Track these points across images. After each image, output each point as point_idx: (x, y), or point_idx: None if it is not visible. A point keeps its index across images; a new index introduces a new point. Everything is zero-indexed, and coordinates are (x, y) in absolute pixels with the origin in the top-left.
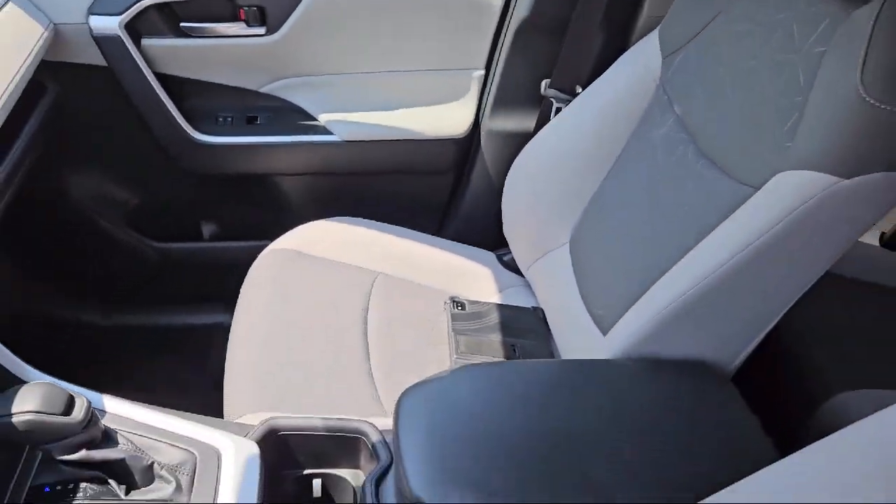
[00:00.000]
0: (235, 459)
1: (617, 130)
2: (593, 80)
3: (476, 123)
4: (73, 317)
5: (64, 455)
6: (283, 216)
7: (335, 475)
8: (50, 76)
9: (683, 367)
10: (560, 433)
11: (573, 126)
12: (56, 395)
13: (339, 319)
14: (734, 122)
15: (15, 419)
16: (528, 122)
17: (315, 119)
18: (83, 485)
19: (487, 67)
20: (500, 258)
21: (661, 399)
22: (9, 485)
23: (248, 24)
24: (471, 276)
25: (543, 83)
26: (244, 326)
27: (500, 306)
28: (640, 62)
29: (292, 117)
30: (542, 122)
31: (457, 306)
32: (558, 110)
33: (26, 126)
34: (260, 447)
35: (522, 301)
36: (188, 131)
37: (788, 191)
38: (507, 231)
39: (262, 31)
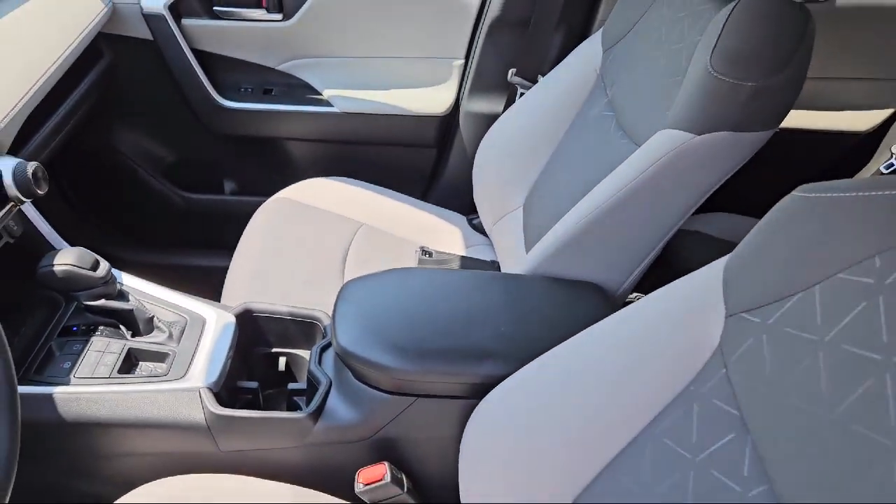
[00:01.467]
0: (216, 324)
1: (565, 112)
2: (548, 70)
3: (456, 105)
4: (106, 251)
5: (88, 302)
6: (289, 175)
7: (296, 354)
8: (106, 45)
9: (574, 283)
10: (459, 314)
11: (530, 108)
12: (86, 256)
13: (322, 256)
14: (641, 100)
15: (56, 268)
16: (499, 105)
17: (319, 94)
18: (101, 327)
19: (467, 57)
20: (469, 221)
21: (543, 296)
22: (50, 322)
23: (269, 11)
24: (442, 233)
25: (510, 71)
26: (243, 253)
27: (463, 258)
28: (586, 55)
29: (301, 91)
30: (509, 105)
31: (425, 254)
32: (522, 95)
33: (82, 83)
34: (237, 323)
35: (483, 256)
36: (216, 97)
37: (655, 145)
38: (476, 197)
39: (279, 17)
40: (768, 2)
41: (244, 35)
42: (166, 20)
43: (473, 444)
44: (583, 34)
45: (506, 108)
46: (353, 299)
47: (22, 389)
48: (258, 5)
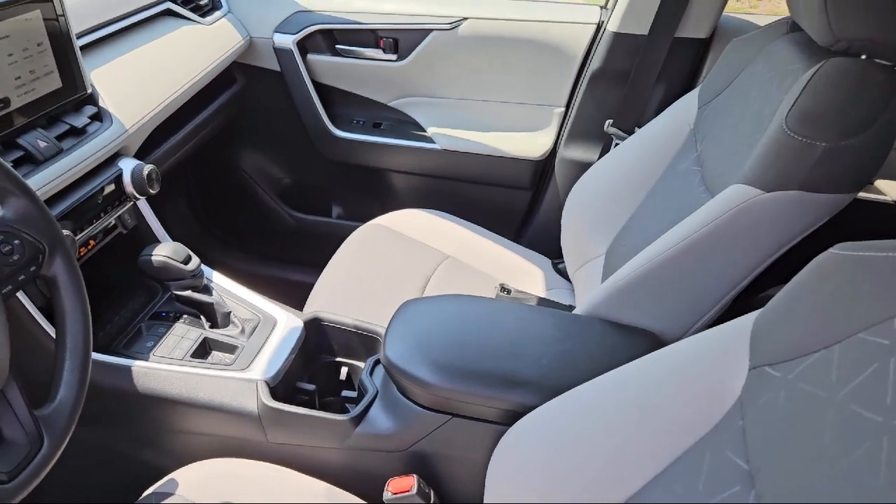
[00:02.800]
0: (285, 326)
1: (656, 164)
2: (646, 123)
3: (553, 150)
4: (215, 256)
5: (177, 291)
6: (388, 203)
7: (357, 366)
8: (239, 72)
9: (628, 328)
10: (505, 342)
11: (623, 159)
12: (181, 250)
13: (404, 281)
14: (724, 155)
15: (153, 258)
16: (594, 154)
17: (424, 130)
18: (184, 316)
19: (567, 105)
20: (555, 265)
21: (592, 337)
22: (146, 307)
23: (385, 52)
24: (525, 273)
25: (607, 122)
26: (331, 270)
27: (541, 299)
28: (683, 110)
29: (407, 127)
30: (603, 154)
31: (503, 290)
32: (616, 145)
33: (213, 104)
34: (305, 329)
35: (562, 300)
36: (330, 127)
37: (723, 199)
38: (563, 241)
39: (394, 57)
40: (854, 64)
41: (361, 72)
42: (293, 55)
43: (499, 468)
44: (682, 90)
45: (600, 156)
46: (407, 317)
47: (109, 359)
48: (376, 46)
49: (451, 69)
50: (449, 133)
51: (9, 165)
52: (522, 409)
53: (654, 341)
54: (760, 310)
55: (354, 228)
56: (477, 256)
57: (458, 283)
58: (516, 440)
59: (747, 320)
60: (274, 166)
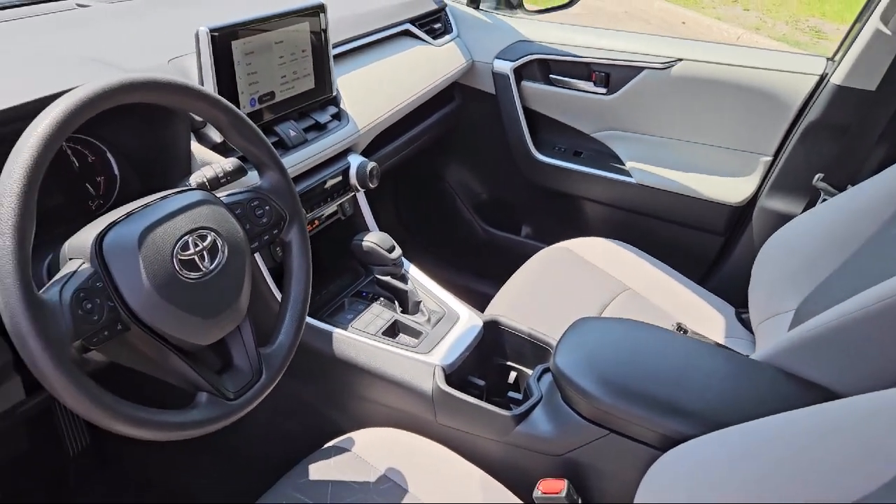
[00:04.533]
0: (466, 323)
1: (866, 226)
2: (862, 180)
3: (754, 198)
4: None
5: (379, 276)
6: (575, 229)
7: (526, 372)
8: (458, 92)
9: (803, 383)
10: (672, 370)
11: (831, 215)
12: (387, 240)
13: (580, 305)
14: None
15: (363, 243)
16: (798, 207)
17: (622, 163)
18: (381, 298)
19: (775, 155)
20: (738, 314)
21: (763, 383)
22: (350, 286)
23: (595, 84)
24: (705, 317)
25: (817, 176)
26: (512, 284)
27: (718, 344)
28: None
29: (606, 158)
30: (808, 207)
31: (679, 330)
32: (824, 200)
33: (431, 117)
34: (484, 329)
35: (740, 350)
36: (533, 151)
37: None
38: (750, 291)
39: (604, 90)
40: None
41: (570, 102)
42: (509, 80)
43: (649, 491)
44: None
45: (805, 210)
46: (581, 331)
47: (316, 323)
48: (588, 79)
49: (658, 107)
50: (647, 169)
51: (270, 145)
52: (680, 437)
53: (829, 400)
54: None
55: (540, 249)
56: (657, 292)
57: (634, 315)
58: (670, 466)
59: None
60: (475, 181)
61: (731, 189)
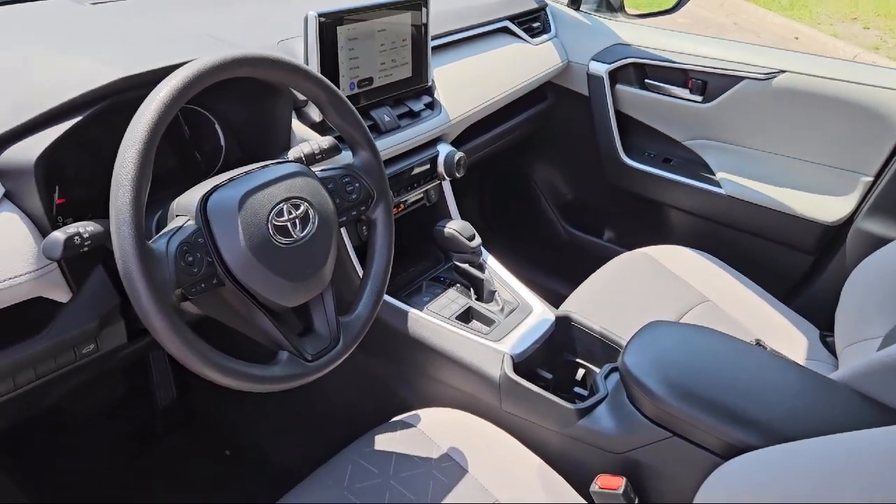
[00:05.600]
0: (539, 316)
1: None
2: None
3: (850, 219)
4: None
5: (457, 262)
6: (658, 236)
7: (593, 370)
8: (551, 91)
9: (881, 408)
10: (743, 379)
11: None
12: (468, 228)
13: (656, 311)
14: None
15: (445, 230)
16: None
17: (712, 173)
18: (458, 284)
19: (877, 175)
20: (822, 336)
21: (838, 403)
22: (430, 270)
23: (691, 92)
24: (786, 336)
25: None
26: (590, 284)
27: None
28: None
29: (696, 167)
30: None
31: (757, 345)
32: None
33: (522, 114)
34: (556, 324)
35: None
36: (622, 155)
37: None
38: (837, 314)
39: (699, 98)
40: None
41: (663, 108)
42: (604, 82)
43: (708, 498)
44: None
45: None
46: (653, 333)
47: (395, 302)
48: (684, 85)
49: (755, 119)
50: (738, 180)
51: (366, 126)
52: (743, 446)
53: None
54: None
55: (620, 253)
56: (738, 306)
57: (711, 326)
58: (733, 475)
59: None
60: (561, 181)
61: (826, 207)
